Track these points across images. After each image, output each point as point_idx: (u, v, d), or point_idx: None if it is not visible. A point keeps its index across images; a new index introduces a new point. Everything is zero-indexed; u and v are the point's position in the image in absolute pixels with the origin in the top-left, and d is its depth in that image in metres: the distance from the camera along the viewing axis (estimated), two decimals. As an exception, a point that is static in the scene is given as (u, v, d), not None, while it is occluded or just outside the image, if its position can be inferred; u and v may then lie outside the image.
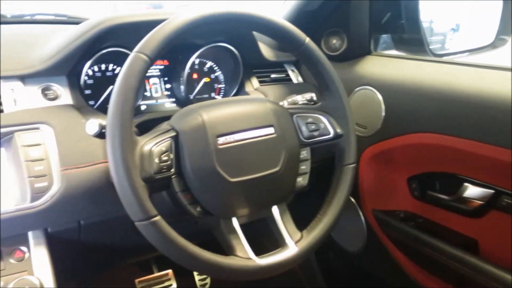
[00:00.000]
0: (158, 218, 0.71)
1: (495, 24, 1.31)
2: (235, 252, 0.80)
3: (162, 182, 0.77)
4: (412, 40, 1.27)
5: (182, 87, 1.12)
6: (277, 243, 0.87)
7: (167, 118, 0.87)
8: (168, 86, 1.15)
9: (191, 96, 1.17)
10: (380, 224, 1.23)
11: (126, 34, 0.97)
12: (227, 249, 0.82)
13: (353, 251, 1.38)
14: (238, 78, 1.20)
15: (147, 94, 1.12)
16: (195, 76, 1.18)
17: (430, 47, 1.29)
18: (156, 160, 0.75)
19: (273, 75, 1.25)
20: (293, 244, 0.84)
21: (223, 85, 1.22)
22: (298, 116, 0.93)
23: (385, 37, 1.33)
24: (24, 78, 0.93)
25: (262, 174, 0.83)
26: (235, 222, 0.83)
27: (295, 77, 1.29)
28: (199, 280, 1.59)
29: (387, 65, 1.18)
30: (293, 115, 0.93)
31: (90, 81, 1.03)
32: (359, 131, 1.18)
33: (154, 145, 0.76)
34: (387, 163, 1.19)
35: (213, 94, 1.21)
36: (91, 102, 1.04)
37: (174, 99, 1.16)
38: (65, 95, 0.96)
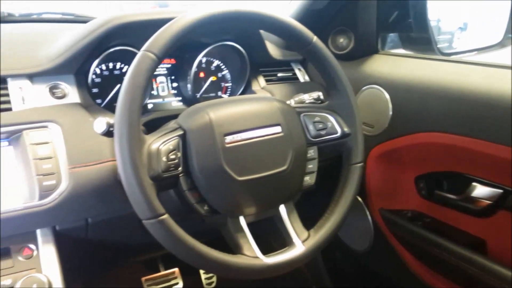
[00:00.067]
0: (165, 216, 0.71)
1: (504, 22, 1.30)
2: (242, 251, 0.80)
3: (169, 180, 0.77)
4: (420, 39, 1.26)
5: (189, 86, 1.12)
6: (284, 242, 0.87)
7: (174, 116, 0.87)
8: (175, 84, 1.15)
9: (198, 95, 1.17)
10: (387, 223, 1.22)
11: (134, 32, 0.97)
12: (234, 248, 0.82)
13: (360, 250, 1.38)
14: (245, 77, 1.20)
15: (154, 92, 1.13)
16: (202, 74, 1.18)
17: (438, 46, 1.28)
18: (164, 159, 0.75)
19: (279, 74, 1.24)
20: (300, 243, 0.84)
21: (230, 84, 1.22)
22: (305, 115, 0.93)
23: (392, 36, 1.33)
24: (32, 77, 0.93)
25: (269, 173, 0.83)
26: (242, 221, 0.83)
27: (302, 76, 1.28)
28: (205, 278, 1.59)
29: (395, 64, 1.18)
30: (300, 114, 0.92)
31: (97, 80, 1.04)
32: (366, 130, 1.18)
33: (162, 143, 0.76)
34: (394, 162, 1.18)
35: (219, 93, 1.21)
36: (98, 101, 1.04)
37: (180, 98, 1.16)
38: (72, 94, 0.96)
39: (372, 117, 1.17)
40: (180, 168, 0.78)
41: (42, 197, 0.82)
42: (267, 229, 0.93)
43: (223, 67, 1.21)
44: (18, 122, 0.84)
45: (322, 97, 1.04)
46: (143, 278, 1.51)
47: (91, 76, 1.01)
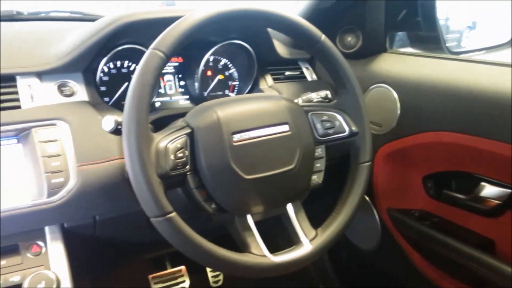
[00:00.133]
0: (173, 214, 0.71)
1: (513, 21, 1.29)
2: (250, 249, 0.80)
3: (177, 178, 0.77)
4: (428, 38, 1.26)
5: (196, 84, 1.12)
6: (291, 240, 0.86)
7: (181, 115, 0.87)
8: (182, 83, 1.16)
9: (205, 93, 1.17)
10: (394, 223, 1.22)
11: (142, 31, 0.98)
12: (242, 246, 0.82)
13: (367, 249, 1.37)
14: (252, 75, 1.19)
15: (162, 91, 1.13)
16: (209, 73, 1.18)
17: (447, 44, 1.27)
18: (172, 157, 0.75)
19: (287, 73, 1.24)
20: (307, 242, 0.84)
21: (237, 83, 1.22)
22: (313, 114, 0.93)
23: (400, 35, 1.32)
24: (41, 75, 0.94)
25: (277, 172, 0.83)
26: (249, 219, 0.82)
27: (310, 75, 1.28)
28: (212, 276, 1.60)
29: (403, 63, 1.17)
30: (308, 113, 0.92)
31: (105, 78, 1.04)
32: (374, 129, 1.17)
33: (170, 141, 0.76)
34: (402, 162, 1.18)
35: (227, 91, 1.21)
36: (106, 99, 1.04)
37: (188, 96, 1.16)
38: (81, 92, 0.96)
39: (380, 116, 1.16)
40: (187, 166, 0.78)
41: (50, 194, 0.82)
42: (273, 228, 0.92)
43: (230, 65, 1.21)
44: (27, 119, 0.85)
45: (330, 96, 1.04)
46: (150, 276, 1.51)
47: (99, 74, 1.01)
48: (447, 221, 1.12)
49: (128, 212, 0.93)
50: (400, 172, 1.20)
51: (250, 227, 0.82)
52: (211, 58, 1.17)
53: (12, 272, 0.80)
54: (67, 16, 1.37)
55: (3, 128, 0.82)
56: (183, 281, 1.53)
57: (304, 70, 1.28)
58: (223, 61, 1.20)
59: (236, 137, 0.80)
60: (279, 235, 1.07)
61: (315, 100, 1.03)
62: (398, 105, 1.11)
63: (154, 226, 0.73)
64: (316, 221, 0.89)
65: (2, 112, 0.85)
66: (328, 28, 1.16)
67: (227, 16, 0.78)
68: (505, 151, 0.90)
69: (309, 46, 0.89)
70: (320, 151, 0.92)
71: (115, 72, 1.05)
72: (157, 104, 1.12)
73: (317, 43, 0.88)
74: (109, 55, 1.00)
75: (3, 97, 0.87)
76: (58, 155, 0.84)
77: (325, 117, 0.93)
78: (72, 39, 1.00)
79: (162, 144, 0.75)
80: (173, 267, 1.56)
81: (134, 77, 0.72)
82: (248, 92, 1.21)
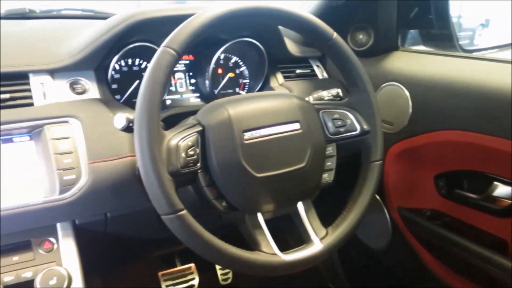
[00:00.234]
0: (184, 212, 0.71)
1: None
2: (260, 247, 0.80)
3: (188, 176, 0.77)
4: (441, 36, 1.24)
5: (207, 82, 1.12)
6: (300, 239, 0.86)
7: (192, 112, 0.87)
8: (193, 81, 1.16)
9: (216, 91, 1.17)
10: (405, 222, 1.21)
11: (153, 29, 0.98)
12: (252, 244, 0.82)
13: (377, 249, 1.37)
14: (263, 73, 1.19)
15: (172, 89, 1.13)
16: (220, 71, 1.18)
17: (459, 42, 1.26)
18: (183, 155, 0.75)
19: (298, 71, 1.24)
20: (318, 240, 0.84)
21: (248, 80, 1.22)
22: (324, 112, 0.92)
23: (412, 33, 1.31)
24: (53, 72, 0.94)
25: (287, 170, 0.83)
26: (260, 217, 0.82)
27: (320, 73, 1.27)
28: (221, 274, 1.60)
29: (415, 61, 1.16)
30: (319, 111, 0.92)
31: (116, 76, 1.04)
32: (385, 128, 1.16)
33: (181, 139, 0.76)
34: (413, 161, 1.17)
35: (237, 89, 1.21)
36: (117, 97, 1.05)
37: (198, 94, 1.16)
38: (92, 89, 0.97)
39: (392, 115, 1.16)
40: (198, 164, 0.78)
41: (62, 191, 0.83)
42: (283, 226, 0.92)
43: (241, 63, 1.21)
44: (39, 117, 0.85)
45: (341, 94, 1.03)
46: (160, 273, 1.52)
47: (110, 72, 1.02)
48: (458, 221, 1.11)
49: (138, 209, 0.93)
50: (411, 171, 1.19)
51: (260, 225, 0.82)
52: (222, 56, 1.17)
53: (24, 268, 0.81)
54: (79, 14, 1.37)
55: (16, 125, 0.83)
56: (193, 279, 1.53)
57: (315, 68, 1.28)
58: (234, 59, 1.19)
59: (247, 135, 0.80)
60: (288, 234, 1.06)
61: (326, 98, 1.03)
62: (410, 103, 1.11)
63: (164, 224, 0.73)
64: (327, 220, 0.89)
65: (15, 110, 0.85)
66: (340, 26, 1.15)
67: (239, 14, 0.78)
68: (519, 150, 0.89)
69: (321, 44, 0.89)
70: (331, 149, 0.92)
71: (126, 70, 1.06)
72: (168, 102, 1.12)
73: (329, 41, 0.87)
74: (120, 53, 1.00)
75: (16, 95, 0.88)
76: (70, 152, 0.84)
77: (336, 115, 0.93)
78: (84, 37, 1.00)
79: (173, 142, 0.75)
80: (182, 264, 1.56)
81: (146, 75, 0.72)
82: (259, 90, 1.20)
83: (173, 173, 0.73)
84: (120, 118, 0.84)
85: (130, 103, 1.03)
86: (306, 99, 0.98)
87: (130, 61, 1.06)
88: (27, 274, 0.80)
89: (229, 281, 1.60)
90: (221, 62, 1.17)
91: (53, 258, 0.84)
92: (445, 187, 1.13)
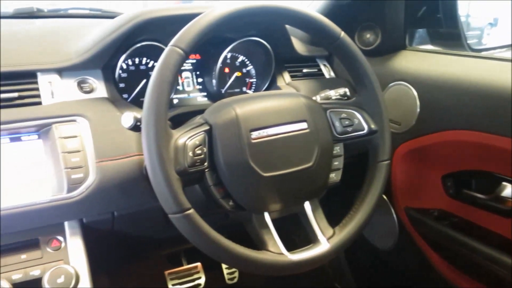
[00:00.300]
0: (191, 211, 0.71)
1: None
2: (267, 247, 0.80)
3: (195, 175, 0.77)
4: (449, 35, 1.23)
5: (214, 81, 1.12)
6: (307, 238, 0.86)
7: (199, 112, 0.87)
8: (200, 80, 1.16)
9: (223, 90, 1.17)
10: (412, 222, 1.21)
11: (161, 28, 0.98)
12: (259, 244, 0.81)
13: (384, 249, 1.36)
14: (270, 72, 1.19)
15: (179, 88, 1.13)
16: (226, 70, 1.18)
17: (468, 42, 1.25)
18: (190, 154, 0.75)
19: (305, 70, 1.23)
20: (325, 240, 0.83)
21: (255, 80, 1.22)
22: (332, 111, 0.92)
23: (420, 32, 1.30)
24: (61, 71, 0.95)
25: (294, 170, 0.82)
26: (267, 217, 0.82)
27: (327, 72, 1.27)
28: (228, 273, 1.60)
29: (423, 60, 1.16)
30: (326, 110, 0.92)
31: (124, 75, 1.05)
32: (393, 128, 1.16)
33: (188, 138, 0.76)
34: (421, 160, 1.16)
35: (244, 89, 1.21)
36: (125, 95, 1.05)
37: (205, 93, 1.16)
38: (100, 88, 0.97)
39: (399, 114, 1.15)
40: (205, 163, 0.78)
41: (70, 190, 0.83)
42: (289, 226, 0.92)
43: (248, 62, 1.20)
44: (47, 116, 0.86)
45: (348, 93, 1.03)
46: (166, 272, 1.52)
47: (118, 71, 1.02)
48: (466, 221, 1.10)
49: (146, 208, 0.93)
50: (418, 171, 1.19)
51: (267, 224, 0.82)
52: (229, 55, 1.17)
53: (32, 266, 0.81)
54: (86, 14, 1.38)
55: (24, 124, 0.84)
56: (199, 278, 1.54)
57: (322, 67, 1.27)
58: (241, 58, 1.19)
59: (254, 134, 0.80)
60: (294, 233, 1.06)
61: (333, 97, 1.02)
62: (418, 103, 1.10)
63: (171, 223, 0.73)
64: (334, 220, 0.89)
65: (24, 108, 0.86)
66: (347, 25, 1.15)
67: (247, 13, 0.78)
68: (528, 150, 0.88)
69: (328, 43, 0.88)
70: (338, 149, 0.91)
71: (133, 69, 1.06)
72: (175, 101, 1.12)
73: (336, 40, 0.87)
74: (128, 52, 1.00)
75: (24, 93, 0.88)
76: (78, 151, 0.84)
77: (343, 115, 0.92)
78: (91, 36, 1.01)
79: (180, 141, 0.75)
80: (189, 263, 1.56)
81: (154, 74, 0.72)
82: (266, 90, 1.20)
83: (181, 172, 0.73)
84: (128, 117, 0.84)
85: (137, 102, 1.03)
86: (313, 98, 0.98)
87: (137, 60, 1.06)
88: (35, 272, 0.81)
89: (235, 280, 1.60)
90: (228, 61, 1.17)
91: (61, 256, 0.84)
92: (453, 187, 1.13)
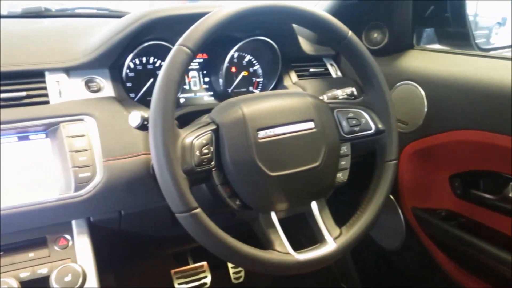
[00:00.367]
0: (198, 210, 0.71)
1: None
2: (274, 246, 0.80)
3: (202, 174, 0.77)
4: (457, 34, 1.23)
5: (220, 81, 1.12)
6: (313, 238, 0.86)
7: (206, 111, 0.87)
8: (206, 79, 1.16)
9: (230, 90, 1.17)
10: (419, 222, 1.20)
11: (168, 27, 0.98)
12: (265, 243, 0.81)
13: (391, 249, 1.36)
14: (276, 72, 1.19)
15: (186, 87, 1.13)
16: (233, 69, 1.18)
17: (476, 41, 1.24)
18: (197, 153, 0.75)
19: (312, 69, 1.23)
20: (332, 240, 0.83)
21: (261, 79, 1.22)
22: (339, 111, 0.92)
23: (428, 31, 1.30)
24: (68, 71, 0.95)
25: (301, 169, 0.82)
26: (273, 216, 0.82)
27: (334, 72, 1.27)
28: (234, 273, 1.60)
29: (431, 60, 1.15)
30: (333, 110, 0.91)
31: (131, 74, 1.05)
32: (400, 127, 1.15)
33: (195, 137, 0.76)
34: (428, 160, 1.16)
35: (251, 88, 1.21)
36: (132, 95, 1.05)
37: (212, 93, 1.16)
38: (107, 88, 0.97)
39: (406, 114, 1.15)
40: (212, 163, 0.78)
41: (77, 188, 0.83)
42: (295, 226, 0.92)
43: (254, 62, 1.20)
44: (55, 115, 0.86)
45: (355, 92, 1.03)
46: (172, 271, 1.53)
47: (125, 70, 1.02)
48: (474, 222, 1.10)
49: (152, 207, 0.93)
50: (426, 170, 1.18)
51: (274, 224, 0.82)
52: (236, 55, 1.17)
53: (40, 264, 0.82)
54: (94, 13, 1.38)
55: (32, 123, 0.84)
56: (205, 277, 1.54)
57: (329, 66, 1.27)
58: (248, 57, 1.19)
59: (261, 133, 0.80)
60: (300, 233, 1.06)
61: (340, 97, 1.02)
62: (425, 102, 1.09)
63: (178, 222, 0.73)
64: (341, 219, 0.89)
65: (32, 107, 0.86)
66: (354, 24, 1.15)
67: (254, 12, 0.78)
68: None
69: (336, 42, 0.88)
70: (345, 148, 0.91)
71: (140, 68, 1.06)
72: (182, 100, 1.12)
73: (344, 40, 0.87)
74: (135, 51, 1.00)
75: (32, 92, 0.88)
76: (85, 150, 0.85)
77: (351, 114, 0.92)
78: (99, 35, 1.01)
79: (187, 140, 0.75)
80: (195, 262, 1.57)
81: (161, 73, 0.72)
82: (272, 89, 1.20)
83: (188, 172, 0.73)
84: (135, 116, 0.84)
85: (144, 101, 1.03)
86: (320, 98, 0.98)
87: (144, 59, 1.06)
88: (42, 270, 0.81)
89: (241, 279, 1.60)
90: (235, 60, 1.17)
91: (68, 254, 0.84)
92: (461, 188, 1.12)
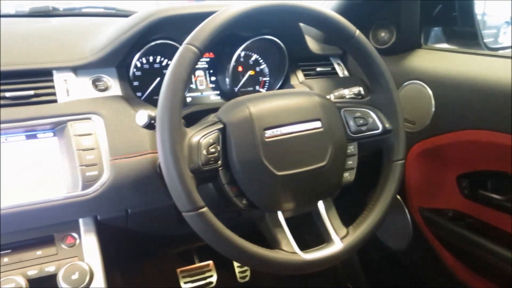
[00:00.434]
0: (205, 209, 0.71)
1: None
2: (281, 246, 0.80)
3: (209, 173, 0.77)
4: (465, 33, 1.22)
5: (227, 80, 1.12)
6: (319, 238, 0.86)
7: (212, 110, 0.87)
8: (213, 78, 1.16)
9: (236, 89, 1.17)
10: (426, 222, 1.19)
11: (175, 26, 0.98)
12: (272, 243, 0.81)
13: (397, 249, 1.35)
14: (283, 71, 1.19)
15: (193, 86, 1.13)
16: (240, 69, 1.17)
17: (484, 40, 1.24)
18: (204, 152, 0.75)
19: (318, 69, 1.23)
20: (338, 240, 0.83)
21: (268, 78, 1.21)
22: (346, 110, 0.91)
23: (436, 30, 1.29)
24: (76, 70, 0.95)
25: (308, 169, 0.82)
26: (280, 216, 0.82)
27: (341, 71, 1.26)
28: (239, 272, 1.60)
29: (438, 59, 1.14)
30: (340, 109, 0.91)
31: (138, 73, 1.05)
32: (407, 127, 1.15)
33: (202, 136, 0.76)
34: (435, 160, 1.15)
35: (257, 87, 1.21)
36: (139, 94, 1.05)
37: (218, 92, 1.16)
38: (114, 86, 0.98)
39: (414, 114, 1.14)
40: (219, 162, 0.78)
41: (84, 187, 0.83)
42: (301, 225, 0.92)
43: (261, 61, 1.20)
44: (63, 113, 0.86)
45: (362, 92, 1.02)
46: (178, 270, 1.53)
47: (132, 69, 1.02)
48: (482, 222, 1.09)
49: (159, 206, 0.94)
50: (433, 171, 1.17)
51: (280, 223, 0.82)
52: (242, 54, 1.17)
53: (47, 262, 0.82)
54: (101, 12, 1.39)
55: (40, 121, 0.84)
56: (211, 276, 1.54)
57: (336, 66, 1.27)
58: (254, 56, 1.19)
59: (268, 133, 0.79)
60: (306, 232, 1.06)
61: (347, 96, 1.02)
62: (433, 102, 1.09)
63: (185, 221, 0.73)
64: (347, 219, 0.88)
65: (39, 106, 0.87)
66: (361, 23, 1.14)
67: (262, 11, 0.78)
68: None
69: (343, 41, 0.88)
70: (352, 148, 0.91)
71: (147, 67, 1.06)
72: (188, 100, 1.12)
73: (351, 39, 0.86)
74: (142, 50, 1.01)
75: (40, 91, 0.89)
76: (93, 149, 0.85)
77: (358, 114, 0.92)
78: (106, 34, 1.01)
79: (194, 139, 0.75)
80: (201, 261, 1.57)
81: (168, 72, 0.72)
82: (279, 88, 1.20)
83: (195, 171, 0.73)
84: (142, 115, 0.84)
85: (151, 100, 1.03)
86: (327, 97, 0.97)
87: (151, 58, 1.07)
88: (50, 268, 0.81)
89: (247, 278, 1.60)
90: (242, 59, 1.17)
91: (75, 253, 0.85)
92: (468, 188, 1.11)
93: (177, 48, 0.74)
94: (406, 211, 1.25)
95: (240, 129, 0.79)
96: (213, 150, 0.76)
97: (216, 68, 1.16)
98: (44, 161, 0.84)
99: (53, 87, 0.91)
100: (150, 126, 0.85)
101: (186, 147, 0.74)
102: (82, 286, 0.79)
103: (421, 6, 1.19)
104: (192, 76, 1.13)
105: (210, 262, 1.56)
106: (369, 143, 0.92)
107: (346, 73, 1.27)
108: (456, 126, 1.04)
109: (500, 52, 1.19)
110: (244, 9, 0.76)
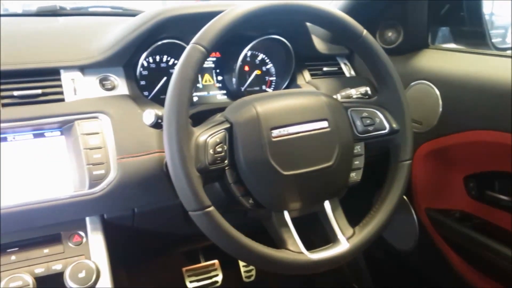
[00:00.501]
0: (211, 208, 0.71)
1: None
2: (287, 245, 0.79)
3: (215, 173, 0.77)
4: (473, 33, 1.21)
5: (233, 80, 1.12)
6: (325, 238, 0.86)
7: (219, 109, 0.87)
8: (219, 78, 1.16)
9: (243, 89, 1.17)
10: (433, 223, 1.19)
11: (182, 26, 0.98)
12: (278, 242, 0.81)
13: (403, 250, 1.35)
14: (290, 71, 1.18)
15: (199, 86, 1.13)
16: (246, 68, 1.17)
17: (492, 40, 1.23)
18: (211, 151, 0.75)
19: (325, 68, 1.22)
20: (345, 240, 0.83)
21: (274, 78, 1.21)
22: (353, 110, 0.91)
23: (443, 30, 1.28)
24: (83, 69, 0.96)
25: (315, 168, 0.82)
26: (286, 215, 0.82)
27: (348, 71, 1.26)
28: (245, 271, 1.60)
29: (446, 59, 1.14)
30: (347, 109, 0.91)
31: (145, 72, 1.05)
32: (414, 127, 1.14)
33: (209, 136, 0.76)
34: (442, 161, 1.15)
35: (264, 87, 1.21)
36: (145, 93, 1.06)
37: (225, 91, 1.16)
38: (121, 86, 0.98)
39: (421, 114, 1.14)
40: (226, 161, 0.78)
41: (91, 186, 0.84)
42: (307, 225, 0.91)
43: (268, 61, 1.20)
44: (70, 112, 0.87)
45: (369, 92, 1.02)
46: (184, 269, 1.53)
47: (139, 68, 1.03)
48: (489, 223, 1.08)
49: (166, 205, 0.94)
50: (440, 171, 1.17)
51: (287, 223, 0.82)
52: (249, 54, 1.17)
53: (54, 260, 0.82)
54: (108, 12, 1.40)
55: (47, 120, 0.85)
56: (216, 275, 1.54)
57: (342, 65, 1.26)
58: (261, 56, 1.19)
59: (275, 132, 0.79)
60: (312, 232, 1.06)
61: (354, 96, 1.01)
62: (440, 102, 1.08)
63: (191, 220, 0.73)
64: (354, 219, 0.88)
65: (47, 105, 0.87)
66: (368, 23, 1.14)
67: (269, 11, 0.78)
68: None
69: (350, 41, 0.88)
70: (359, 148, 0.91)
71: (154, 66, 1.06)
72: (195, 99, 1.12)
73: (358, 38, 0.86)
74: (149, 49, 1.01)
75: (47, 90, 0.89)
76: (100, 148, 0.85)
77: (365, 114, 0.91)
78: (113, 34, 1.02)
79: (201, 139, 0.76)
80: (206, 260, 1.57)
81: (175, 72, 0.72)
82: (285, 88, 1.20)
83: (201, 170, 0.74)
84: (149, 114, 0.84)
85: (157, 100, 1.04)
86: (334, 97, 0.97)
87: (158, 58, 1.07)
88: (57, 267, 0.82)
89: (253, 278, 1.60)
90: (248, 59, 1.17)
91: (82, 251, 0.85)
92: (475, 188, 1.11)
93: (184, 48, 0.74)
94: (413, 211, 1.25)
95: (246, 128, 0.79)
96: (219, 149, 0.77)
97: (222, 67, 1.16)
98: (51, 160, 0.84)
99: (60, 86, 0.91)
100: (157, 125, 0.85)
101: (193, 147, 0.74)
102: (88, 284, 0.79)
103: (429, 6, 1.19)
104: (199, 76, 1.13)
105: (216, 261, 1.56)
106: (376, 143, 0.92)
107: (353, 73, 1.26)
108: (464, 126, 1.04)
109: (508, 52, 1.18)
110: (251, 9, 0.76)
